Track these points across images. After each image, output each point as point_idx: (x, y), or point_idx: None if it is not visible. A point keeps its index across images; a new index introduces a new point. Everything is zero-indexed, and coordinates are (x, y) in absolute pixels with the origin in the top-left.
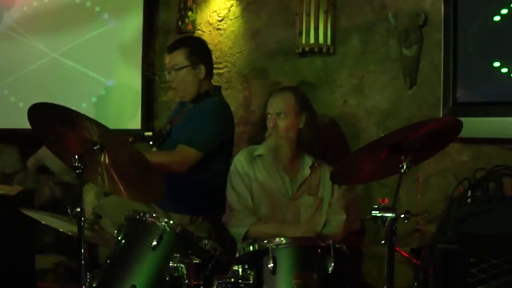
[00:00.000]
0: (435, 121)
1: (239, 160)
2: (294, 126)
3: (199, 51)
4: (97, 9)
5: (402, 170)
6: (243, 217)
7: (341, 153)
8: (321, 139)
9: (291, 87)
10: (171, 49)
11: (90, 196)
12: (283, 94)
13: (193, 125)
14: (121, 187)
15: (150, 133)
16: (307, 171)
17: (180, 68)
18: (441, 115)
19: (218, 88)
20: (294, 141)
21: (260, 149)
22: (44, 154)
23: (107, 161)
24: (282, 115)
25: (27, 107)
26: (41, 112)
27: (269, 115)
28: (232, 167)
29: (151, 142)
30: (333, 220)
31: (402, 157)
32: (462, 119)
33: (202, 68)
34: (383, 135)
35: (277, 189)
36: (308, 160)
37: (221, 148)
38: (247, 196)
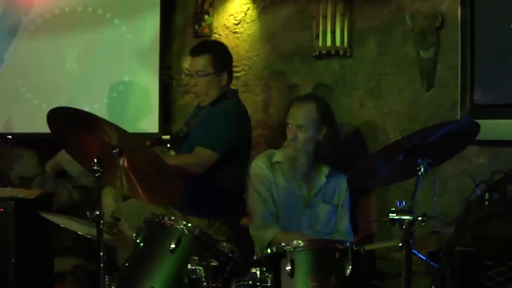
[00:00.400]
0: (453, 124)
1: (258, 166)
2: (313, 139)
3: (223, 59)
4: (116, 21)
5: (420, 173)
6: (268, 225)
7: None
8: (340, 148)
9: (314, 96)
10: (195, 53)
11: (108, 200)
12: (305, 106)
13: (209, 127)
14: (140, 190)
15: (168, 137)
16: (323, 180)
17: (205, 75)
18: (458, 117)
19: (235, 91)
20: (311, 153)
21: (278, 156)
22: (63, 158)
23: (125, 164)
24: (302, 128)
25: (47, 110)
26: (60, 116)
27: (289, 125)
28: (252, 173)
29: (168, 145)
30: (339, 226)
31: (420, 160)
32: (480, 121)
33: (225, 76)
34: (400, 137)
35: (294, 195)
36: (325, 170)
37: (238, 151)
38: (271, 201)
